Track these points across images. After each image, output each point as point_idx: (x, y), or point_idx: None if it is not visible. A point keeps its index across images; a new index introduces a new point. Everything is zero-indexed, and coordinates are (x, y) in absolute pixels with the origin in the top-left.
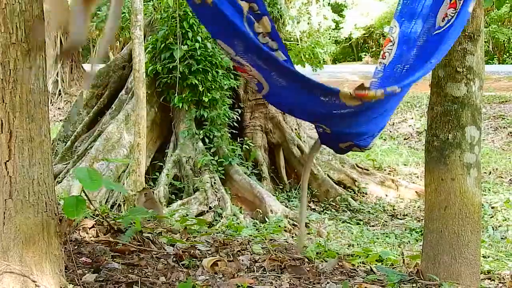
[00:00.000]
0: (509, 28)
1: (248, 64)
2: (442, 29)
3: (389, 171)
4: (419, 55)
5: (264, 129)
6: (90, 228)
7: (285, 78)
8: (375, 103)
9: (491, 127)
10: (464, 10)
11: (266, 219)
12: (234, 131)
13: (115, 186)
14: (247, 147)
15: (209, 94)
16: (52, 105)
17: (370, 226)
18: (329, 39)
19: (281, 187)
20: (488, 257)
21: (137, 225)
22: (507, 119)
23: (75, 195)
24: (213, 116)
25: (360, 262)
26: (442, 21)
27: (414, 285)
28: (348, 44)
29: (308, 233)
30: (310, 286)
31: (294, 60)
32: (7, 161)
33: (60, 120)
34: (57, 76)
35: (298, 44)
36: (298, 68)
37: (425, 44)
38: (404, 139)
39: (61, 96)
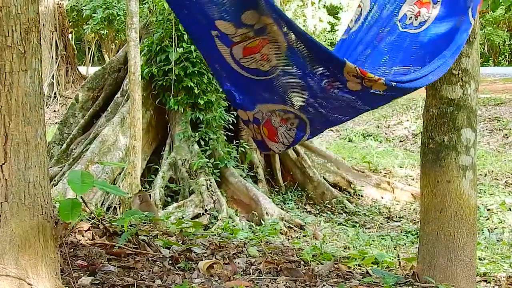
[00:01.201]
0: (504, 30)
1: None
2: (417, 31)
3: (385, 173)
4: (393, 50)
5: None
6: (85, 231)
7: (297, 35)
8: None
9: (486, 129)
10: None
11: (262, 221)
12: (229, 134)
13: (111, 188)
14: (243, 149)
15: (204, 97)
16: (48, 107)
17: (366, 229)
18: (325, 41)
19: (277, 189)
20: (484, 259)
21: (125, 228)
22: (503, 121)
23: (71, 198)
24: (209, 118)
25: (356, 265)
26: (416, 19)
27: (410, 287)
28: None
29: (304, 236)
30: None
31: None
32: (3, 164)
33: (56, 123)
34: (53, 79)
35: None
36: None
37: (399, 41)
38: (400, 141)
39: (57, 99)
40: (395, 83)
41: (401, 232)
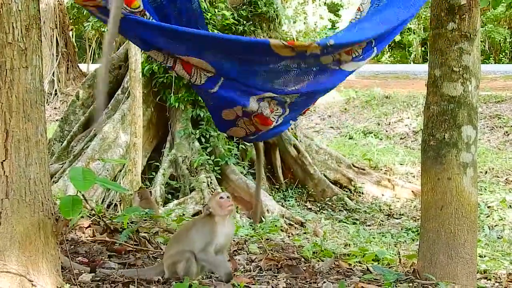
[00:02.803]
0: (505, 27)
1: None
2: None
3: (385, 170)
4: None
5: None
6: (86, 228)
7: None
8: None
9: (487, 127)
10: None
11: (263, 218)
12: None
13: (112, 185)
14: (243, 146)
15: None
16: (48, 104)
17: (366, 226)
18: None
19: (277, 186)
20: (485, 256)
21: (126, 225)
22: (503, 118)
23: (71, 194)
24: (209, 115)
25: (356, 262)
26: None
27: (411, 284)
28: None
29: (305, 233)
30: (307, 286)
31: None
32: (4, 160)
33: (56, 120)
34: (53, 76)
35: None
36: None
37: None
38: (400, 138)
39: (57, 96)
40: (331, 42)
41: (401, 229)
